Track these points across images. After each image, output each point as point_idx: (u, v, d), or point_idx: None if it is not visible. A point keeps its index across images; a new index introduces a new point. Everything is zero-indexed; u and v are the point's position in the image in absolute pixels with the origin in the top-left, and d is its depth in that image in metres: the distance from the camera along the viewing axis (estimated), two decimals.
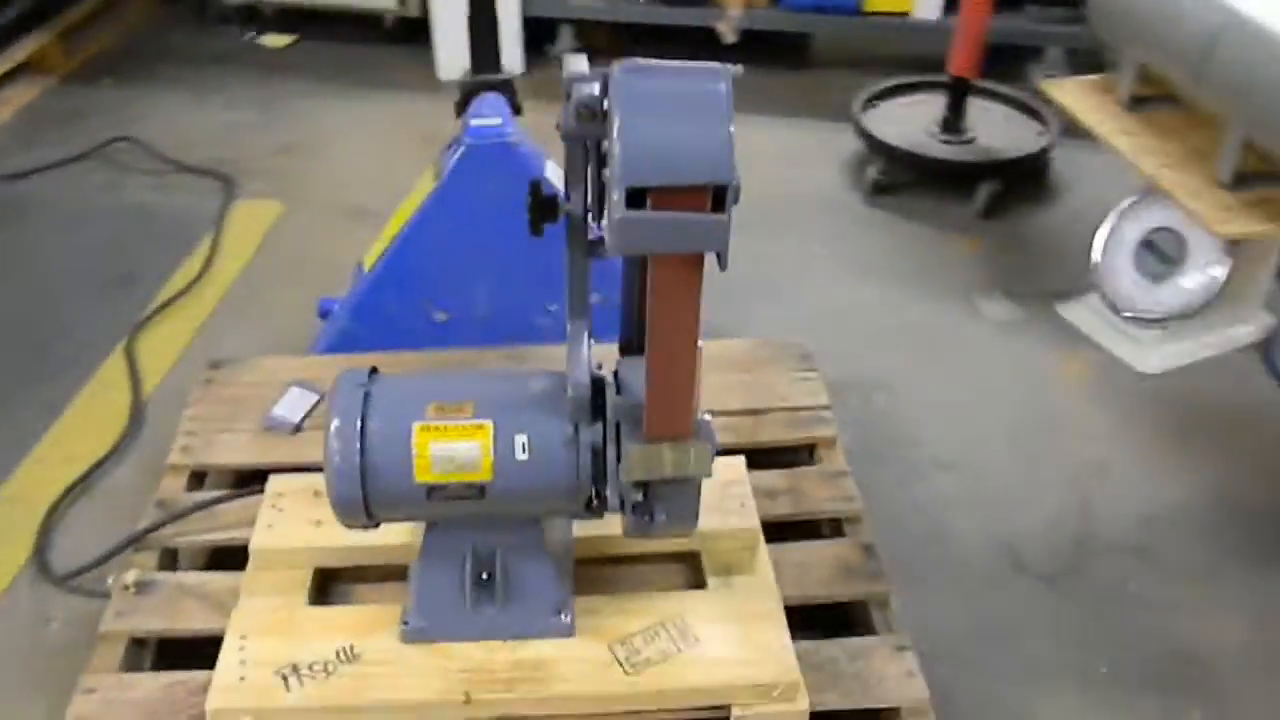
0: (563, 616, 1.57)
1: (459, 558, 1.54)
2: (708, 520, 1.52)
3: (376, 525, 1.50)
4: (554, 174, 2.26)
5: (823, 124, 3.48)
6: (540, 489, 1.45)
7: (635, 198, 1.13)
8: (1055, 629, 1.92)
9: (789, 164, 3.29)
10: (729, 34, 3.56)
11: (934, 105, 3.17)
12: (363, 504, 1.44)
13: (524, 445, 1.44)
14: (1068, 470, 2.25)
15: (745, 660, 1.55)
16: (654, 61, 1.20)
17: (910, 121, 3.17)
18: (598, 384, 1.44)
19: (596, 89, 1.26)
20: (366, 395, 1.45)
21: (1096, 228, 2.60)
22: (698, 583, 1.72)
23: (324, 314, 2.37)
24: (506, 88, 2.36)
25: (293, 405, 2.08)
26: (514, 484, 1.44)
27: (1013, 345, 2.60)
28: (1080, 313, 2.65)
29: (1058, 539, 2.10)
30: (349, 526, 1.50)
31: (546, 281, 2.28)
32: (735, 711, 1.54)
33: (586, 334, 1.49)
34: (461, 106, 2.36)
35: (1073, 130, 2.84)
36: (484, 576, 1.54)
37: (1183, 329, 2.51)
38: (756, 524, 1.77)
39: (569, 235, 1.42)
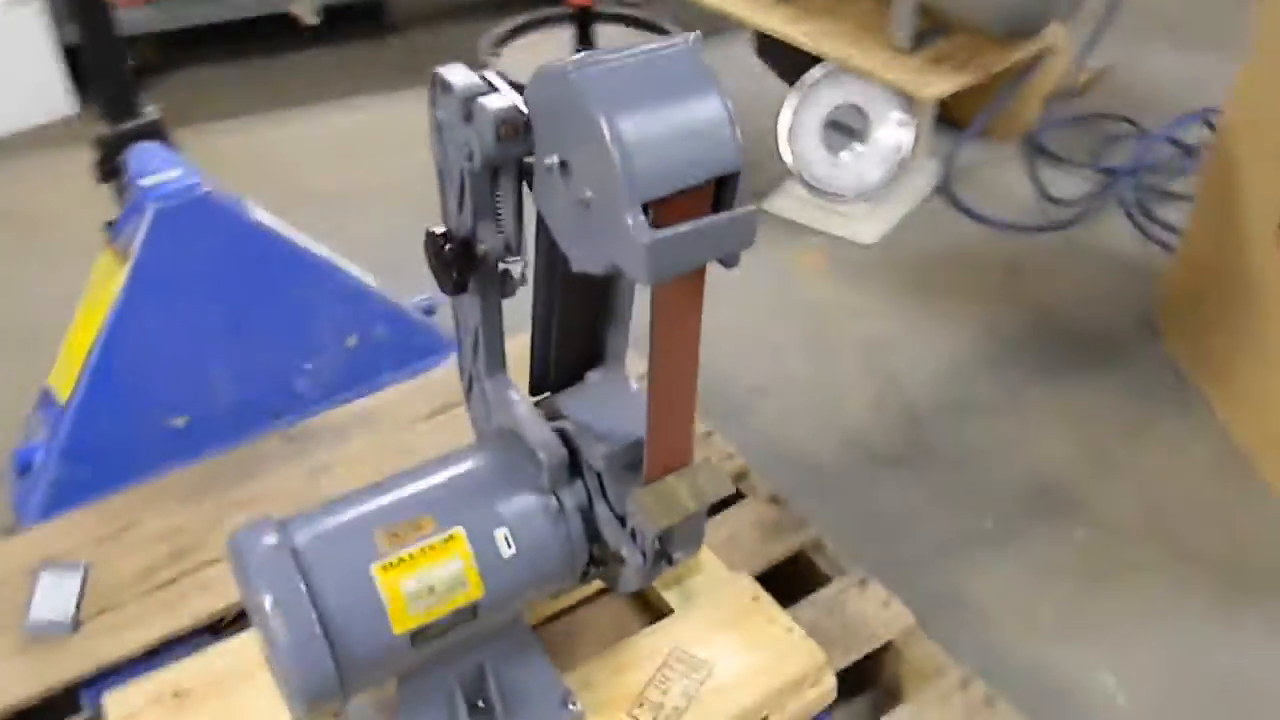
0: (570, 706, 1.35)
1: (444, 695, 1.26)
2: None
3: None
4: (264, 216, 1.89)
5: None
6: (535, 579, 1.22)
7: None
8: (932, 503, 1.98)
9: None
10: (308, 14, 3.19)
11: (561, 39, 3.06)
12: (338, 684, 1.12)
13: (507, 539, 1.19)
14: (859, 355, 2.31)
15: (767, 666, 1.43)
16: (596, 53, 0.98)
17: (544, 59, 3.03)
18: (564, 437, 1.22)
19: (510, 101, 1.02)
20: (294, 552, 1.12)
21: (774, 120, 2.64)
22: (654, 604, 1.57)
23: (24, 468, 1.83)
24: (155, 132, 1.93)
25: (54, 598, 1.59)
26: (507, 587, 1.19)
27: (749, 258, 2.60)
28: (787, 203, 2.72)
29: (890, 420, 2.16)
30: (316, 716, 1.17)
31: (294, 338, 1.94)
32: (773, 717, 1.42)
33: (511, 388, 1.26)
34: (106, 168, 1.90)
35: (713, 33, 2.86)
36: (480, 705, 1.28)
37: (882, 194, 2.65)
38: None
39: (481, 280, 1.17)
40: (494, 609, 1.19)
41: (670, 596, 1.57)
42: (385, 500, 1.19)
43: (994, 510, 1.97)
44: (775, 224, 2.69)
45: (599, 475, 1.22)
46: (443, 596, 1.15)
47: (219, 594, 1.57)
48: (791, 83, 2.61)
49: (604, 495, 1.23)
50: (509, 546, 1.19)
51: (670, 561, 1.24)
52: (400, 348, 2.02)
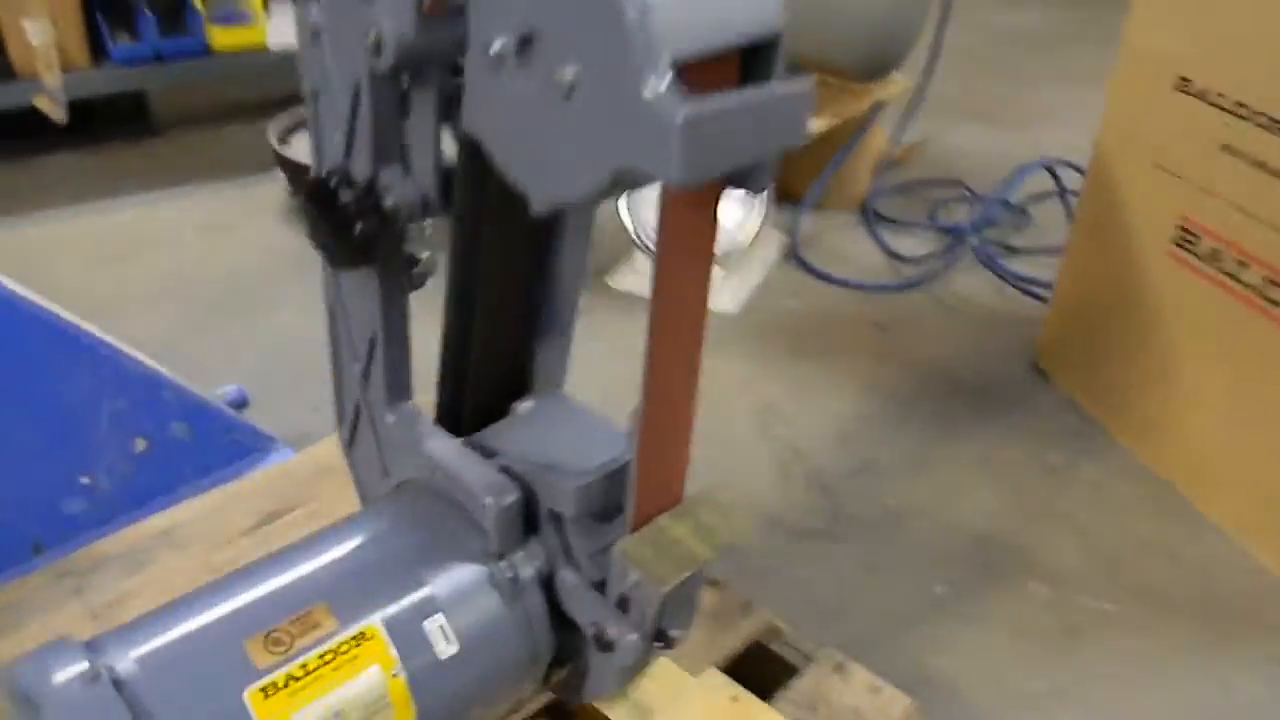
0: None
1: None
2: None
3: None
4: (17, 288, 1.45)
5: (213, 189, 2.85)
6: (486, 686, 0.84)
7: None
8: (869, 574, 1.71)
9: (218, 234, 2.64)
10: (56, 111, 2.73)
11: None
12: None
13: (444, 630, 0.81)
14: (752, 424, 2.05)
15: None
16: None
17: None
18: (518, 481, 0.87)
19: None
20: (117, 684, 0.70)
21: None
22: None
23: None
24: None
25: None
26: (448, 703, 0.81)
27: (606, 341, 2.33)
28: (635, 279, 2.47)
29: (799, 492, 1.89)
30: None
31: (64, 443, 1.48)
32: None
33: (424, 420, 0.90)
34: None
35: None
36: None
37: (732, 264, 2.45)
38: None
39: (381, 263, 0.82)
40: None
41: (618, 716, 1.21)
42: (251, 594, 0.80)
43: (938, 574, 1.72)
44: (626, 301, 2.42)
45: (559, 529, 0.87)
46: None
47: None
48: None
49: (568, 557, 0.88)
50: (447, 641, 0.81)
51: (667, 643, 0.90)
52: (204, 449, 1.59)
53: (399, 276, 0.85)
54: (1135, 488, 1.93)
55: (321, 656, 0.76)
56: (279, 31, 3.08)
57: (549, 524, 0.87)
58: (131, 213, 2.70)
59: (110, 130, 3.05)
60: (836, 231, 2.78)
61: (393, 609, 0.79)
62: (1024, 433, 2.06)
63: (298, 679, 0.74)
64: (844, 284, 2.52)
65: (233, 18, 2.95)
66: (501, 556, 0.85)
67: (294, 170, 2.60)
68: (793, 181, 2.76)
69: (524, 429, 0.92)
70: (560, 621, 0.88)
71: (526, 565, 0.86)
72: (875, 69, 2.15)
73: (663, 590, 0.83)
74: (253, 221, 2.71)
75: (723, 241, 2.40)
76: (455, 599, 0.82)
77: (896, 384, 2.19)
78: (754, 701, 1.18)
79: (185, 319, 2.29)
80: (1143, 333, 1.96)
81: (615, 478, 0.85)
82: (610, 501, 0.86)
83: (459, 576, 0.83)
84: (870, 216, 2.82)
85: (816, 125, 2.13)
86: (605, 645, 0.86)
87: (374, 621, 0.78)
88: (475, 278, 0.89)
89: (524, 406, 0.96)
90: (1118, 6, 1.99)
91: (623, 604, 0.85)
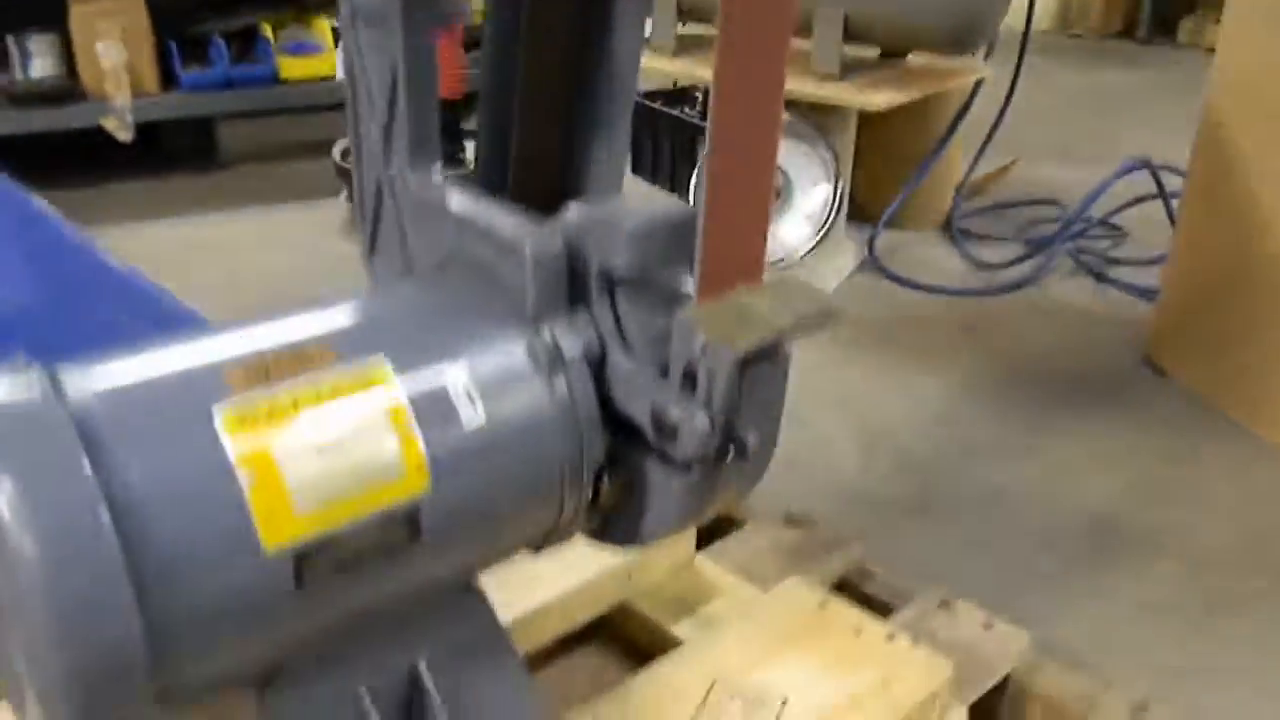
0: None
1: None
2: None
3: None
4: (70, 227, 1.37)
5: (275, 210, 2.80)
6: (518, 474, 0.68)
7: None
8: (971, 549, 1.51)
9: (276, 247, 2.57)
10: (122, 131, 2.73)
11: None
12: (144, 660, 0.54)
13: (469, 393, 0.66)
14: (837, 411, 1.88)
15: (872, 687, 0.90)
16: None
17: None
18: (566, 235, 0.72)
19: None
20: (68, 405, 0.56)
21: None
22: (651, 647, 1.01)
23: None
24: None
25: None
26: (470, 481, 0.65)
27: None
28: None
29: (890, 471, 1.70)
30: None
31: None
32: None
33: (457, 183, 0.77)
34: None
35: None
36: None
37: (809, 266, 2.31)
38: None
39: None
40: (446, 530, 0.64)
41: (681, 630, 1.03)
42: (238, 334, 0.65)
43: (1052, 552, 1.51)
44: None
45: (611, 302, 0.72)
46: (355, 481, 0.60)
47: None
48: None
49: (622, 338, 0.73)
50: (471, 405, 0.66)
51: (742, 452, 0.73)
52: None
53: (424, 10, 0.73)
54: (1273, 471, 1.70)
55: (315, 389, 0.61)
56: None
57: (600, 296, 0.72)
58: (192, 229, 2.66)
59: (177, 160, 3.05)
60: (917, 246, 2.62)
61: (406, 354, 0.64)
62: (1138, 421, 1.85)
63: (281, 408, 0.59)
64: (926, 289, 2.36)
65: (303, 48, 2.95)
66: (541, 321, 0.70)
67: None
68: (869, 200, 2.63)
69: (574, 212, 0.77)
70: (613, 427, 0.72)
71: (571, 338, 0.71)
72: (964, 36, 2.03)
73: (735, 352, 0.67)
74: (312, 236, 2.64)
75: (801, 229, 2.29)
76: (483, 361, 0.67)
77: (991, 375, 2.01)
78: (853, 610, 1.00)
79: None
80: (1271, 308, 1.76)
81: (680, 229, 0.70)
82: (673, 260, 0.70)
83: (488, 337, 0.68)
84: (955, 233, 2.67)
85: (899, 98, 2.00)
86: (666, 433, 0.69)
87: (383, 364, 0.64)
88: (515, 60, 0.77)
89: (573, 208, 0.82)
90: (1191, 67, 1.86)
91: (688, 382, 0.69)
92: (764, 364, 0.72)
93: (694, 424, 0.68)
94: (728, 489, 0.78)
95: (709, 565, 1.13)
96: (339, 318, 0.68)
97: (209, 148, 3.15)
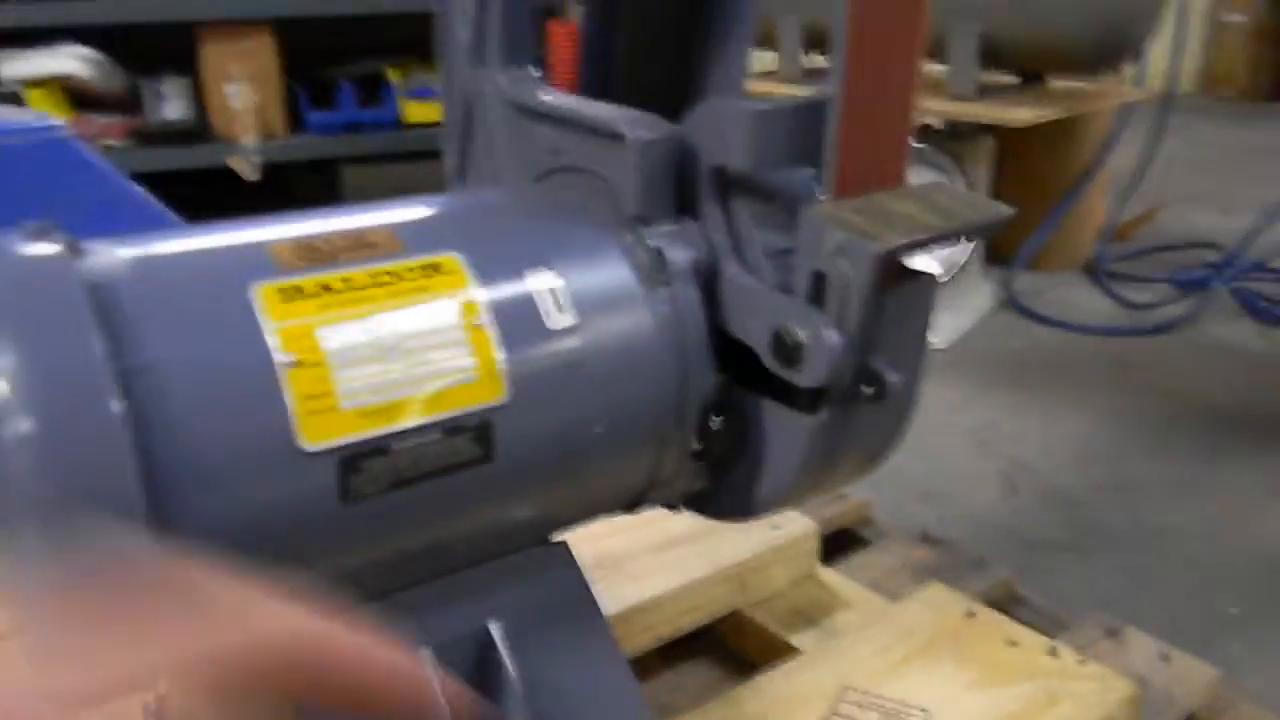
0: None
1: None
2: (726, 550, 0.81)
3: None
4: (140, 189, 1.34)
5: None
6: (618, 391, 0.57)
7: None
8: (1139, 588, 1.33)
9: None
10: (249, 170, 2.78)
11: None
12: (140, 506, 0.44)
13: (555, 296, 0.56)
14: (969, 444, 1.72)
15: (1027, 707, 0.75)
16: None
17: None
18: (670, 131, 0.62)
19: None
20: (74, 264, 0.48)
21: None
22: (763, 657, 0.88)
23: None
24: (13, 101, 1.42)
25: None
26: (555, 395, 0.55)
27: None
28: None
29: (1034, 506, 1.54)
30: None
31: None
32: None
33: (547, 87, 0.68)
34: None
35: None
36: None
37: (943, 302, 2.17)
38: (809, 523, 0.98)
39: None
40: (524, 453, 0.54)
41: (802, 640, 0.89)
42: (295, 219, 0.57)
43: (1226, 594, 1.32)
44: None
45: (725, 211, 0.62)
46: (414, 378, 0.51)
47: None
48: None
49: (737, 252, 0.62)
50: (559, 309, 0.56)
51: (879, 391, 0.61)
52: None
53: None
54: None
55: (373, 275, 0.52)
56: None
57: (712, 202, 0.62)
58: None
59: (303, 200, 3.07)
60: (1059, 287, 2.45)
61: (485, 250, 0.55)
62: None
63: (334, 290, 0.50)
64: (1074, 328, 2.19)
65: (427, 93, 2.97)
66: (645, 226, 0.60)
67: None
68: (1005, 239, 2.47)
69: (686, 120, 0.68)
70: (723, 361, 0.61)
71: (679, 247, 0.60)
72: (1108, 51, 1.89)
73: (878, 250, 0.55)
74: None
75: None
76: (574, 266, 0.57)
77: (1144, 412, 1.82)
78: (1006, 622, 0.85)
79: None
80: None
81: (807, 119, 0.59)
82: (799, 156, 0.60)
83: (582, 242, 0.58)
84: (1100, 275, 2.49)
85: (1043, 114, 1.87)
86: (789, 356, 0.58)
87: (454, 255, 0.54)
88: None
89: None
90: None
91: (816, 295, 0.58)
92: (907, 282, 0.61)
93: (823, 341, 0.56)
94: (860, 442, 0.65)
95: (834, 578, 1.00)
96: (411, 212, 0.59)
97: (333, 189, 3.18)
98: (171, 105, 2.75)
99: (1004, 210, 0.62)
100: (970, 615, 0.85)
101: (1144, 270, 2.52)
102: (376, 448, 0.49)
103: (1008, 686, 0.75)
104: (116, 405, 0.44)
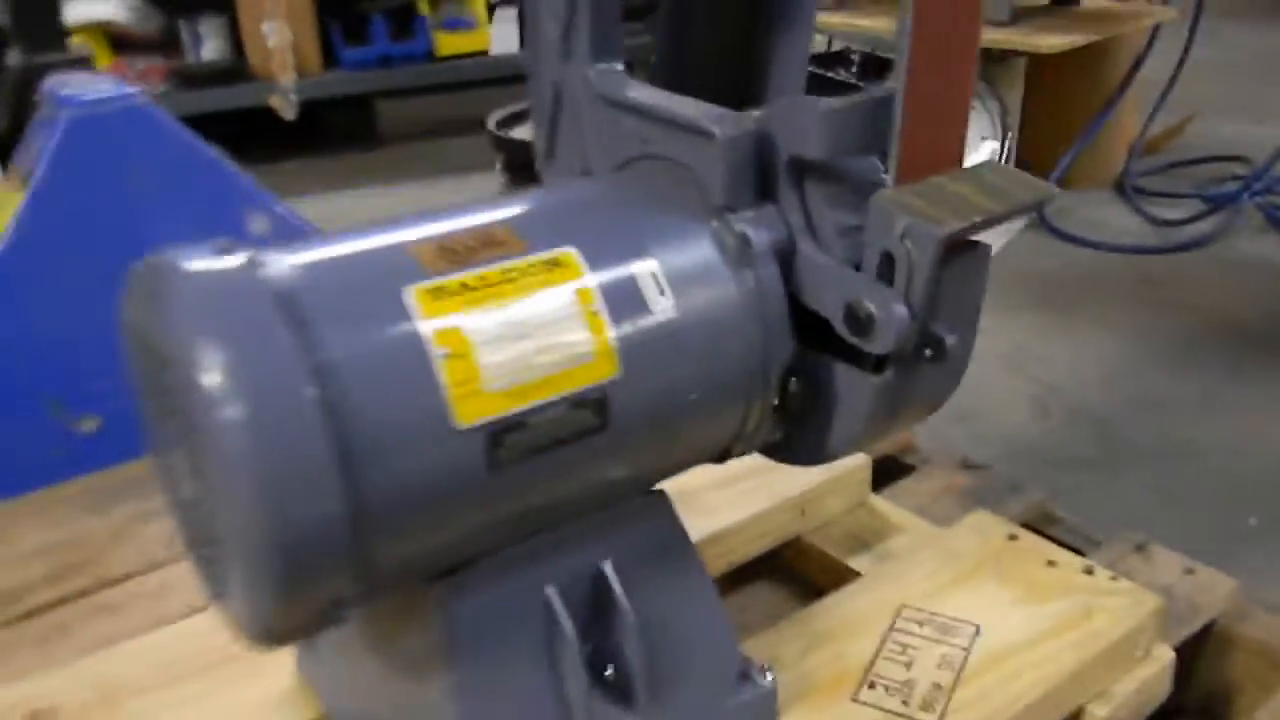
0: (759, 677, 0.74)
1: (535, 623, 0.67)
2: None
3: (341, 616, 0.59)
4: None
5: (432, 184, 2.86)
6: (706, 364, 0.65)
7: None
8: (1166, 503, 1.42)
9: None
10: (287, 110, 2.83)
11: None
12: (349, 525, 0.53)
13: (657, 279, 0.64)
14: (1001, 363, 1.80)
15: (1069, 620, 0.84)
16: None
17: None
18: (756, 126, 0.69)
19: None
20: (266, 281, 0.56)
21: None
22: (822, 579, 0.98)
23: None
24: (83, 65, 1.49)
25: None
26: (659, 368, 0.63)
27: None
28: None
29: (1064, 425, 1.62)
30: (286, 628, 0.58)
31: None
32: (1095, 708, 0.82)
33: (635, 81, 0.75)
34: (15, 102, 1.44)
35: None
36: (607, 671, 0.68)
37: None
38: (862, 455, 1.07)
39: None
40: (633, 419, 0.63)
41: (859, 563, 0.99)
42: (426, 221, 0.65)
43: (1250, 506, 1.41)
44: None
45: (800, 195, 0.69)
46: (544, 362, 0.59)
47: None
48: None
49: (811, 231, 0.69)
50: (660, 293, 0.64)
51: (940, 353, 0.69)
52: None
53: None
54: None
55: (504, 272, 0.60)
56: (502, 37, 3.13)
57: (789, 188, 0.69)
58: (353, 203, 2.74)
59: (338, 137, 3.14)
60: (1089, 204, 2.50)
61: (592, 239, 0.63)
62: None
63: (472, 287, 0.59)
64: (1102, 246, 2.24)
65: (459, 24, 3.00)
66: (730, 212, 0.68)
67: (510, 148, 2.57)
68: (1036, 158, 2.51)
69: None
70: (800, 331, 0.69)
71: (760, 230, 0.68)
72: None
73: (940, 232, 0.63)
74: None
75: None
76: (669, 251, 0.65)
77: (1171, 330, 1.89)
78: (1045, 544, 0.94)
79: None
80: None
81: (875, 112, 0.66)
82: (868, 146, 0.67)
83: (675, 228, 0.66)
84: (1129, 191, 2.53)
85: (1073, 40, 1.90)
86: (860, 327, 0.66)
87: (569, 249, 0.62)
88: None
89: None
90: None
91: (885, 272, 0.65)
92: (966, 255, 0.68)
93: (892, 314, 0.64)
94: (921, 397, 0.74)
95: (884, 504, 1.09)
96: (523, 209, 0.66)
97: (369, 124, 3.24)
98: (209, 45, 2.80)
99: (1051, 190, 0.68)
100: (1012, 538, 0.94)
101: (1173, 186, 2.56)
102: (516, 423, 0.58)
103: (1047, 603, 0.85)
104: (311, 393, 0.52)
